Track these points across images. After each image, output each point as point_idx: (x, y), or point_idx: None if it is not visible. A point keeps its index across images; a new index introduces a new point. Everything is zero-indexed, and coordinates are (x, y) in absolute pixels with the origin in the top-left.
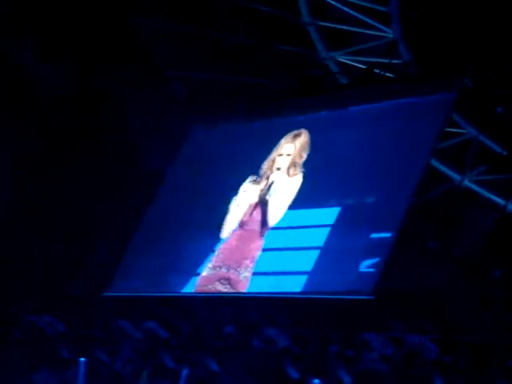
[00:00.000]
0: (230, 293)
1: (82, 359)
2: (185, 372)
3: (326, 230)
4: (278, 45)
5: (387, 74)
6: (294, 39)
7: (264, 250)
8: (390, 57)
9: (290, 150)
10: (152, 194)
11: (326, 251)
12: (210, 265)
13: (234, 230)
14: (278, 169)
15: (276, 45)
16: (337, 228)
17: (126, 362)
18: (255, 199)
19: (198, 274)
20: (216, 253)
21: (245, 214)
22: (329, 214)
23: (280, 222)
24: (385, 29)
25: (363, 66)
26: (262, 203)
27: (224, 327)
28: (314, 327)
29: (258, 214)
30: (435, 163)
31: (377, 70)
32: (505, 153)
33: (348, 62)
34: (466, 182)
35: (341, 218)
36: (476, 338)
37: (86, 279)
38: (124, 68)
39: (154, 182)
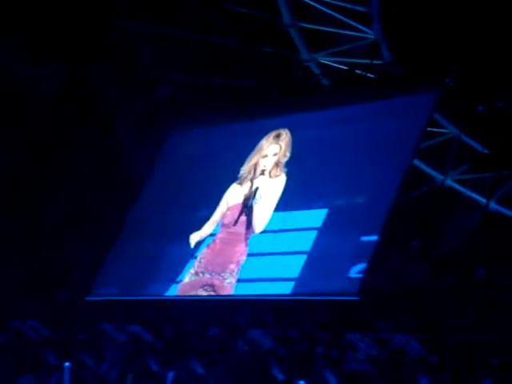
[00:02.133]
0: (216, 296)
1: (67, 363)
2: (170, 375)
3: (313, 234)
4: (260, 47)
5: (369, 75)
6: (276, 41)
7: (249, 255)
8: (372, 57)
9: (276, 150)
10: (136, 198)
11: (313, 256)
12: (192, 271)
13: (217, 234)
14: (263, 172)
15: (258, 47)
16: (324, 231)
17: (110, 366)
18: (240, 202)
19: (179, 282)
20: (198, 258)
21: (227, 216)
22: (316, 216)
23: (265, 227)
24: (366, 30)
25: (345, 67)
26: (248, 208)
27: (208, 330)
28: (300, 329)
29: (243, 218)
30: (417, 163)
31: (358, 71)
32: (486, 151)
33: (330, 63)
34: (448, 181)
35: (328, 220)
36: (461, 337)
37: (70, 284)
38: (109, 69)
39: (138, 184)
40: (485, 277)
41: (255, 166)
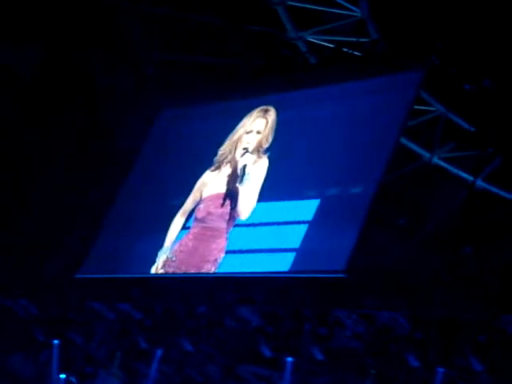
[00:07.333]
0: (204, 274)
1: (56, 341)
2: (158, 352)
3: (303, 228)
4: (248, 25)
5: (356, 53)
6: (263, 19)
7: (228, 252)
8: (358, 36)
9: (261, 126)
10: (125, 177)
11: (303, 254)
12: (161, 270)
13: (190, 229)
14: (246, 149)
15: (245, 25)
16: (316, 225)
17: (99, 344)
18: (215, 193)
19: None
20: (169, 256)
21: (201, 210)
22: (306, 208)
23: (248, 216)
24: (353, 8)
25: (332, 46)
26: (232, 192)
27: (197, 307)
28: (287, 306)
29: (223, 207)
30: (404, 141)
31: (345, 49)
32: (473, 129)
33: (317, 41)
34: (435, 159)
35: (321, 213)
36: (447, 313)
37: (59, 261)
38: (98, 49)
39: (127, 164)
40: (471, 254)
41: (236, 143)
